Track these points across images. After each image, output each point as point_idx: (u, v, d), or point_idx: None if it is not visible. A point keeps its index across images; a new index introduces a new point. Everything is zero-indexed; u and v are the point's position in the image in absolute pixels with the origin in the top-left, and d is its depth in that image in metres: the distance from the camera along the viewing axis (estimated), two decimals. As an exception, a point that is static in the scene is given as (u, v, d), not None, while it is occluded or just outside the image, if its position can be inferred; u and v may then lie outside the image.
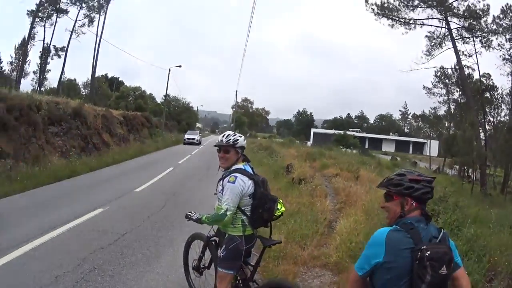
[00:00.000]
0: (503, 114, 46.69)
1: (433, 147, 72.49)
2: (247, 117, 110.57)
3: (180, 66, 63.14)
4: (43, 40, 54.54)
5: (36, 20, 51.80)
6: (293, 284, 5.01)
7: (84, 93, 74.36)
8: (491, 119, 47.61)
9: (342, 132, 71.92)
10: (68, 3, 54.24)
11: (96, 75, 62.28)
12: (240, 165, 4.64)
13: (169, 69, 58.79)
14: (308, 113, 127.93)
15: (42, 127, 19.49)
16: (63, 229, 8.41)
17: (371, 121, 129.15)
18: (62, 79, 58.72)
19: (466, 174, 43.86)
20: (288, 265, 7.22)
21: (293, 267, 7.19)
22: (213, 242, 5.36)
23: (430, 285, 2.56)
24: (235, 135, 4.63)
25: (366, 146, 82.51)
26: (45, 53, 55.54)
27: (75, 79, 79.89)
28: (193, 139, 50.62)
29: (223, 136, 4.57)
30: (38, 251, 6.95)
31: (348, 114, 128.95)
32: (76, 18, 54.14)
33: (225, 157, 4.61)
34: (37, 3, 51.13)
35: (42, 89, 54.99)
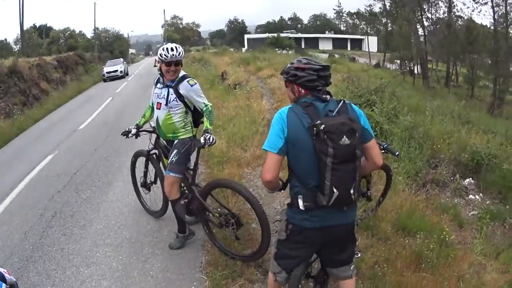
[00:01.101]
0: (441, 12, 46.71)
1: (372, 43, 70.97)
2: (178, 34, 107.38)
3: (104, -4, 60.34)
4: None
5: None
6: (233, 181, 5.14)
7: (16, 50, 70.57)
8: (430, 16, 47.67)
9: (275, 34, 70.26)
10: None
11: (25, 28, 58.58)
12: (182, 72, 4.90)
13: (94, 3, 56.31)
14: (240, 21, 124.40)
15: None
16: (21, 187, 8.41)
17: (305, 22, 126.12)
18: (-9, 42, 55.11)
19: (407, 68, 44.35)
20: (232, 168, 7.47)
21: (238, 169, 7.46)
22: (154, 156, 5.56)
23: (336, 157, 2.62)
24: (178, 46, 4.72)
25: (303, 47, 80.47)
26: None
27: (5, 39, 75.13)
28: (115, 71, 35.46)
29: (173, 51, 4.60)
30: (4, 216, 6.98)
31: (281, 17, 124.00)
32: None
33: (178, 69, 4.79)
34: None
35: None
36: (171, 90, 4.80)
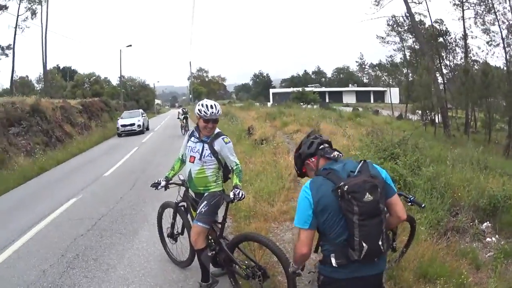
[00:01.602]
0: (459, 57, 47.59)
1: (394, 95, 72.80)
2: (204, 87, 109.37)
3: (130, 45, 61.98)
4: None
5: (-26, 21, 48.99)
6: (260, 235, 5.17)
7: (38, 88, 72.00)
8: (448, 63, 48.43)
9: (300, 89, 71.10)
10: (6, -2, 50.25)
11: (48, 68, 59.61)
12: (217, 129, 5.13)
13: (120, 50, 57.79)
14: (265, 75, 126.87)
15: (2, 130, 19.16)
16: (41, 226, 8.51)
17: (329, 75, 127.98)
18: (13, 78, 56.05)
19: (429, 118, 44.54)
20: (259, 223, 7.47)
21: (264, 224, 7.45)
22: (182, 208, 5.67)
23: (362, 214, 2.79)
24: (216, 104, 4.97)
25: (327, 100, 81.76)
26: None
27: (27, 76, 76.62)
28: (131, 125, 31.06)
29: (212, 109, 4.84)
30: (21, 251, 7.07)
31: (305, 71, 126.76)
32: (18, 12, 50.10)
33: (215, 126, 5.04)
34: (-28, 2, 47.41)
35: None
36: (206, 145, 5.04)
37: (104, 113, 41.21)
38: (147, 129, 33.99)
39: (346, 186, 2.81)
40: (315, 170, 3.24)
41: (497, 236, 7.43)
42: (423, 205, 4.65)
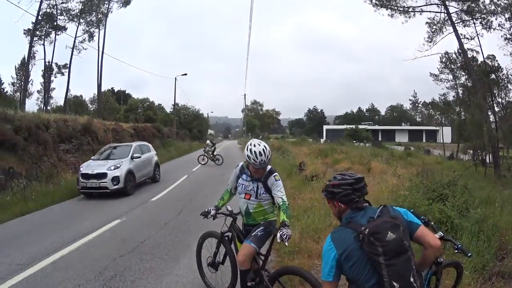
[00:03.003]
0: (511, 94, 46.50)
1: (446, 134, 72.16)
2: (258, 120, 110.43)
3: (186, 74, 63.61)
4: (44, 59, 53.08)
5: (34, 39, 50.17)
6: (302, 269, 5.17)
7: (91, 109, 74.41)
8: (500, 100, 47.39)
9: (354, 126, 71.38)
10: (65, 20, 52.43)
11: (102, 90, 61.53)
12: (269, 166, 5.15)
13: (175, 78, 58.89)
14: (319, 111, 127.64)
15: (53, 145, 19.88)
16: (82, 241, 8.65)
17: (382, 113, 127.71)
18: (68, 97, 57.89)
19: (480, 158, 43.63)
20: (303, 259, 7.38)
21: (308, 261, 7.34)
22: (226, 238, 5.69)
23: (387, 253, 2.85)
24: (266, 148, 4.99)
25: (380, 139, 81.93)
26: (48, 71, 54.31)
27: (81, 96, 79.80)
28: (100, 176, 15.31)
29: (261, 156, 4.86)
30: (60, 263, 7.17)
31: (359, 108, 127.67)
32: (76, 34, 51.92)
33: (265, 169, 5.10)
34: (33, 21, 49.19)
35: (49, 108, 54.17)
36: (260, 184, 5.14)
37: (155, 139, 41.96)
38: (158, 180, 19.87)
39: (367, 230, 2.92)
40: (338, 212, 3.35)
41: None
42: (469, 254, 4.47)
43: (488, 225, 7.93)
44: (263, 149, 4.88)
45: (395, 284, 2.83)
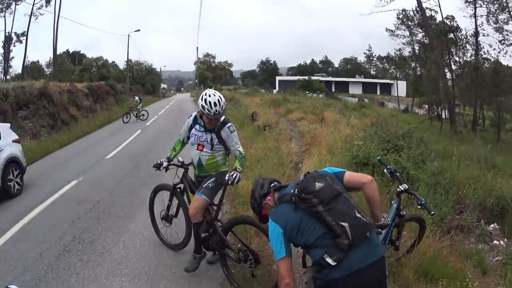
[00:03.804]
0: (468, 54, 47.24)
1: (400, 88, 72.77)
2: (211, 72, 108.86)
3: (139, 30, 62.15)
4: (5, 30, 51.86)
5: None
6: (255, 218, 5.18)
7: (48, 73, 72.30)
8: (457, 59, 48.07)
9: (307, 77, 71.01)
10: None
11: (58, 53, 59.99)
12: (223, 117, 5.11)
13: (128, 35, 57.66)
14: (272, 62, 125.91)
15: (12, 114, 19.22)
16: (41, 208, 8.55)
17: (336, 65, 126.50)
18: (25, 63, 56.48)
19: (435, 113, 44.34)
20: (257, 209, 7.51)
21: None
22: (178, 189, 5.70)
23: (322, 200, 2.90)
24: (221, 98, 4.87)
25: (333, 90, 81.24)
26: (8, 42, 52.85)
27: (38, 61, 76.99)
28: None
29: (216, 106, 4.76)
30: (20, 234, 7.10)
31: (312, 60, 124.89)
32: (34, 1, 51.48)
33: (219, 120, 5.05)
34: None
35: (8, 77, 52.45)
36: (213, 135, 5.09)
37: (110, 97, 40.98)
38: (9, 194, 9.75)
39: (296, 190, 3.02)
40: (274, 205, 3.32)
41: (506, 240, 7.20)
42: (432, 212, 4.49)
43: (445, 178, 8.09)
44: (218, 100, 4.78)
45: (343, 224, 2.81)
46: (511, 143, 31.25)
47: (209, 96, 4.81)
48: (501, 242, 7.13)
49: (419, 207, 4.50)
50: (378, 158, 5.90)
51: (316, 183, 2.97)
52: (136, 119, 26.65)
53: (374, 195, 3.29)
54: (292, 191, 3.06)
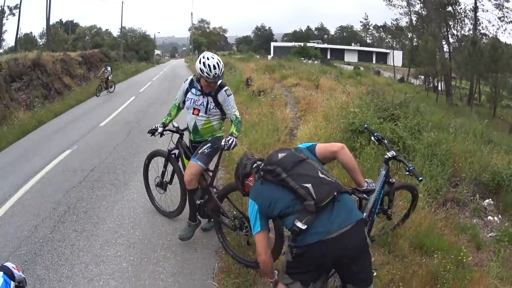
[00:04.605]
0: (467, 29, 46.78)
1: (397, 58, 71.13)
2: (205, 38, 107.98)
3: (133, -5, 61.14)
4: None
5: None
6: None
7: (41, 43, 71.71)
8: (455, 32, 47.61)
9: (302, 44, 70.42)
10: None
11: (51, 23, 59.59)
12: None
13: (122, 2, 57.05)
14: (267, 28, 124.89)
15: (5, 87, 18.92)
16: (36, 179, 8.42)
17: (332, 32, 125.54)
18: (18, 36, 56.08)
19: (432, 84, 44.19)
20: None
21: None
22: (173, 155, 5.59)
23: (285, 168, 2.96)
24: (219, 61, 4.73)
25: (328, 57, 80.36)
26: (0, 15, 52.38)
27: (31, 32, 76.48)
28: None
29: (215, 69, 4.61)
30: (16, 207, 6.99)
31: (308, 26, 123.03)
32: None
33: (217, 82, 4.90)
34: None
35: (1, 50, 52.16)
36: (210, 98, 4.96)
37: (103, 64, 40.74)
38: None
39: (262, 164, 3.20)
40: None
41: (500, 216, 7.15)
42: (420, 179, 4.40)
43: (442, 150, 7.91)
44: (217, 62, 4.64)
45: (306, 185, 2.83)
46: (506, 119, 31.27)
47: (208, 59, 4.65)
48: (496, 218, 7.08)
49: (407, 173, 4.44)
50: (366, 125, 5.78)
51: (279, 154, 3.09)
52: (106, 92, 24.00)
53: (349, 161, 3.26)
54: (256, 165, 3.26)
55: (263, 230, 3.06)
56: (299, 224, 2.79)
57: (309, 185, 2.81)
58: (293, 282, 3.02)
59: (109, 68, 24.87)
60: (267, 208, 3.01)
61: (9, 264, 2.27)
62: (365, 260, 2.93)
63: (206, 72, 4.60)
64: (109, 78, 24.43)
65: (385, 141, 4.78)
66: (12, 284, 2.17)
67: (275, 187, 2.98)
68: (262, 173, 3.08)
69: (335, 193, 2.83)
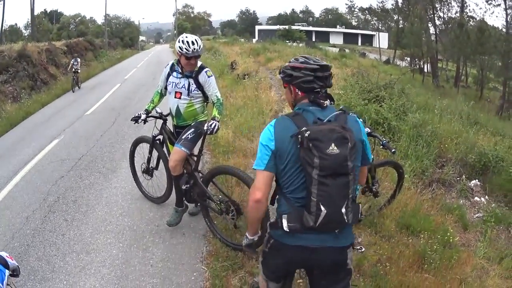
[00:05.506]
0: (453, 11, 46.51)
1: (383, 40, 71.18)
2: (190, 23, 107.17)
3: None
4: None
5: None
6: (236, 168, 5.06)
7: (26, 34, 70.76)
8: (442, 14, 47.41)
9: (287, 27, 69.90)
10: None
11: (36, 13, 58.72)
12: (199, 62, 4.99)
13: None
14: (252, 12, 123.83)
15: (-8, 79, 18.74)
16: (25, 171, 8.37)
17: (317, 15, 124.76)
18: (3, 28, 55.20)
19: (417, 66, 44.21)
20: (238, 158, 7.50)
21: (243, 160, 7.46)
22: (158, 141, 5.59)
23: (323, 168, 2.31)
24: (197, 38, 4.77)
25: (313, 40, 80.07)
26: None
27: (16, 24, 75.68)
28: None
29: (194, 45, 4.65)
30: (7, 200, 6.95)
31: (293, 9, 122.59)
32: None
33: (197, 61, 4.92)
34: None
35: None
36: (191, 80, 4.95)
37: (88, 52, 40.13)
38: None
39: (308, 132, 2.32)
40: (293, 100, 2.74)
41: (486, 197, 7.25)
42: (393, 150, 4.46)
43: (427, 131, 8.01)
44: (195, 39, 4.70)
45: (322, 208, 2.33)
46: (493, 102, 31.45)
47: (186, 37, 4.74)
48: (482, 199, 7.18)
49: (381, 147, 4.55)
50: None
51: (332, 145, 2.30)
52: (77, 87, 21.00)
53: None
54: (306, 126, 2.42)
55: (268, 171, 2.56)
56: (284, 222, 2.52)
57: (324, 211, 2.35)
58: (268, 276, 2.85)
59: (78, 60, 21.55)
60: (278, 159, 2.53)
61: (3, 254, 2.33)
62: (341, 280, 2.63)
63: (185, 48, 4.63)
64: (78, 71, 21.06)
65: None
66: (7, 272, 2.22)
67: (299, 166, 2.47)
68: (300, 138, 2.36)
69: (337, 230, 2.50)
